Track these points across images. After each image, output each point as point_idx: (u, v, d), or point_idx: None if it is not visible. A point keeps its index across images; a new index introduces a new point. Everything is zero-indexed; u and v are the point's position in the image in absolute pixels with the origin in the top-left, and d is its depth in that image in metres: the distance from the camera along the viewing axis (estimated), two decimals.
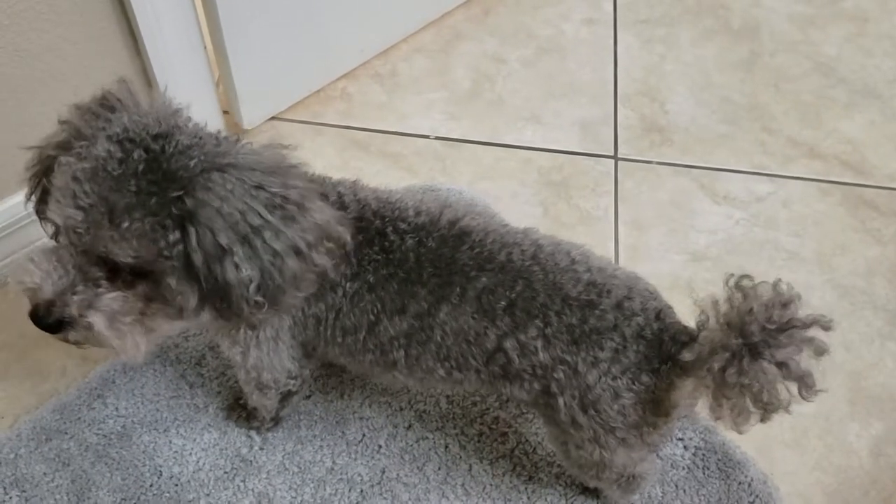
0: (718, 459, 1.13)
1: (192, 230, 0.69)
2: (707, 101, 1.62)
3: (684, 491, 1.11)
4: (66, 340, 0.78)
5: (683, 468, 1.13)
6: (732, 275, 0.75)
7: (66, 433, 1.14)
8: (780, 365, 0.70)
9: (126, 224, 0.69)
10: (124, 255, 0.71)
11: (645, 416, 0.83)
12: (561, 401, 0.84)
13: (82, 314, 0.74)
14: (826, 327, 0.72)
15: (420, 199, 0.90)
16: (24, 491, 1.08)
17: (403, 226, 0.86)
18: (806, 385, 0.71)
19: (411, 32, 1.70)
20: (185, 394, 1.18)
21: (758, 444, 1.18)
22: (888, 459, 1.17)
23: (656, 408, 0.83)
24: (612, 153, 1.53)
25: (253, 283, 0.71)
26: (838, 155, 1.54)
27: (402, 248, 0.85)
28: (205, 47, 1.33)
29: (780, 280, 0.72)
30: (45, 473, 1.10)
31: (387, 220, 0.87)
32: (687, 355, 0.76)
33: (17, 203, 1.23)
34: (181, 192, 0.69)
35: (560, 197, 1.46)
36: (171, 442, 1.13)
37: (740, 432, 0.75)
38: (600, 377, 0.81)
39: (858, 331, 1.30)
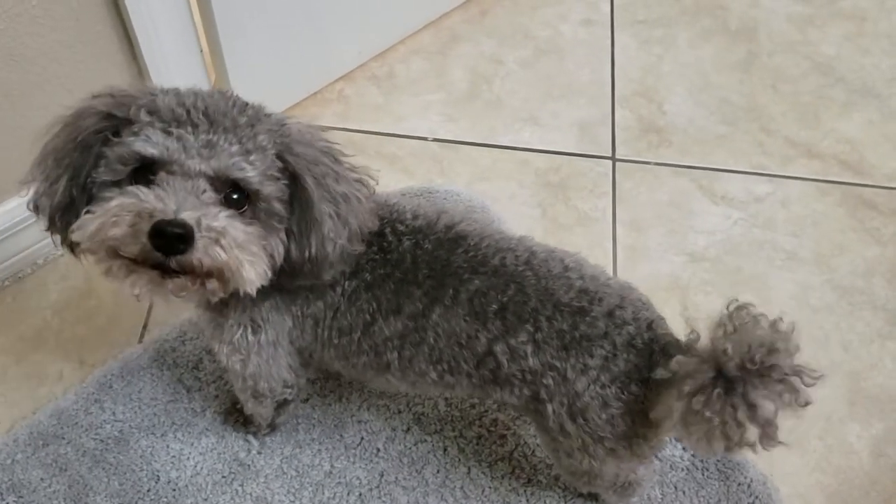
0: (717, 460, 1.13)
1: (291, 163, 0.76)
2: (705, 101, 1.62)
3: (683, 492, 1.11)
4: (170, 272, 0.71)
5: (682, 469, 1.13)
6: (735, 300, 0.73)
7: (64, 438, 1.13)
8: (750, 406, 0.69)
9: (248, 140, 0.73)
10: (251, 168, 0.72)
11: (634, 427, 0.83)
12: (550, 407, 0.84)
13: (212, 227, 0.70)
14: (810, 383, 0.69)
15: (417, 203, 0.91)
16: (21, 497, 1.08)
17: (401, 227, 0.87)
18: (767, 435, 0.69)
19: (408, 34, 1.69)
20: (183, 398, 1.18)
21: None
22: (888, 460, 1.17)
23: (646, 419, 0.82)
24: (609, 154, 1.53)
25: (340, 240, 0.78)
26: (837, 155, 1.53)
27: (400, 249, 0.86)
28: (201, 50, 1.33)
29: (780, 319, 0.70)
30: (42, 479, 1.10)
31: (385, 221, 0.87)
32: (660, 372, 0.76)
33: (14, 207, 1.23)
34: (278, 133, 0.75)
35: (558, 198, 1.46)
36: (168, 446, 1.13)
37: (707, 456, 0.73)
38: (589, 385, 0.81)
39: (857, 331, 1.29)
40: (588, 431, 0.83)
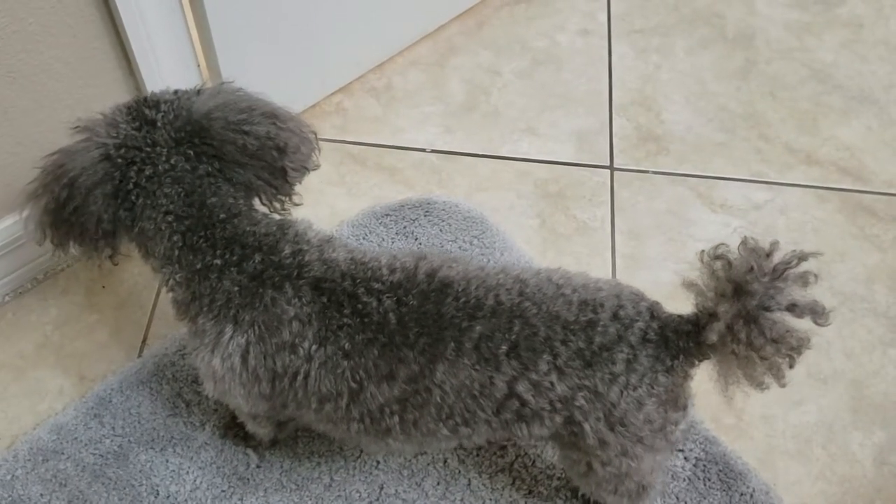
0: (720, 470, 1.12)
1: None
2: (703, 109, 1.62)
3: (685, 503, 1.10)
4: None
5: (684, 479, 1.12)
6: (703, 250, 0.78)
7: (63, 453, 1.13)
8: (790, 308, 0.73)
9: None
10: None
11: (667, 416, 0.84)
12: (587, 426, 0.83)
13: None
14: (805, 258, 0.74)
15: (394, 254, 0.87)
16: None
17: (378, 286, 0.83)
18: (817, 313, 0.74)
19: (406, 46, 1.70)
20: (182, 412, 1.17)
21: (760, 454, 1.17)
22: (892, 468, 1.16)
23: (675, 404, 0.84)
24: (608, 163, 1.53)
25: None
26: (836, 161, 1.53)
27: (380, 310, 0.82)
28: (198, 64, 1.34)
29: (746, 237, 0.77)
30: (41, 494, 1.10)
31: (358, 281, 0.84)
32: (712, 336, 0.76)
33: (14, 223, 1.23)
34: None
35: (557, 208, 1.46)
36: (167, 461, 1.13)
37: (782, 386, 0.77)
38: (622, 392, 0.80)
39: (859, 338, 1.29)
40: (628, 436, 0.83)
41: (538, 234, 1.42)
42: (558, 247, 1.40)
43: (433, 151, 1.55)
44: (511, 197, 1.48)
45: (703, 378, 0.85)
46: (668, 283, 1.35)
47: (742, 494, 1.10)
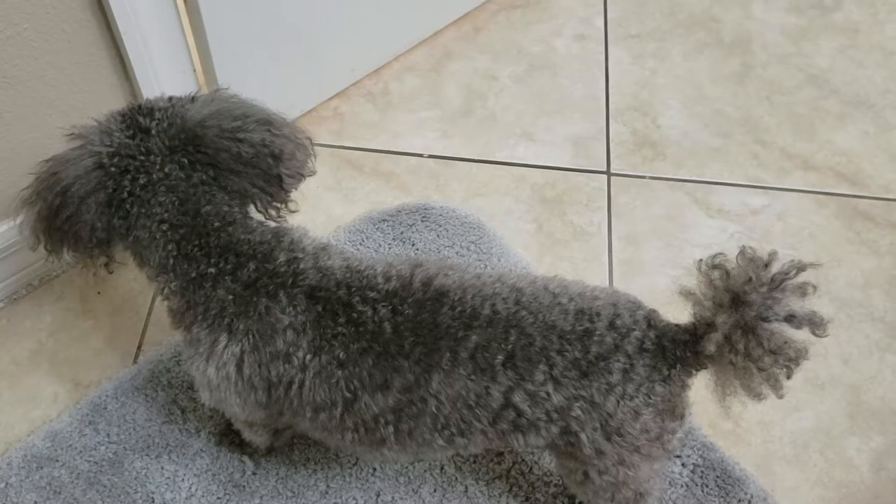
0: (717, 476, 1.12)
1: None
2: (700, 114, 1.62)
3: None
4: None
5: (682, 486, 1.12)
6: (701, 259, 0.77)
7: (58, 461, 1.13)
8: (788, 318, 0.73)
9: None
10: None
11: (664, 425, 0.83)
12: (583, 436, 0.82)
13: None
14: (803, 268, 0.74)
15: (390, 262, 0.87)
16: None
17: (373, 294, 0.83)
18: (815, 324, 0.74)
19: (403, 51, 1.70)
20: (178, 419, 1.17)
21: (757, 460, 1.16)
22: (889, 474, 1.16)
23: (672, 413, 0.83)
24: (604, 169, 1.53)
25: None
26: (833, 166, 1.53)
27: (375, 319, 0.81)
28: (194, 69, 1.33)
29: (744, 246, 0.76)
30: (35, 502, 1.09)
31: (353, 290, 0.83)
32: (710, 347, 0.76)
33: (8, 229, 1.22)
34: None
35: (554, 213, 1.46)
36: (163, 468, 1.12)
37: (780, 397, 0.76)
38: (618, 401, 0.80)
39: (856, 343, 1.29)
40: (625, 445, 0.83)
41: (535, 240, 1.42)
42: (555, 252, 1.40)
43: (430, 156, 1.55)
44: (508, 202, 1.47)
45: (700, 385, 0.85)
46: (665, 288, 1.34)
47: (740, 501, 1.10)
